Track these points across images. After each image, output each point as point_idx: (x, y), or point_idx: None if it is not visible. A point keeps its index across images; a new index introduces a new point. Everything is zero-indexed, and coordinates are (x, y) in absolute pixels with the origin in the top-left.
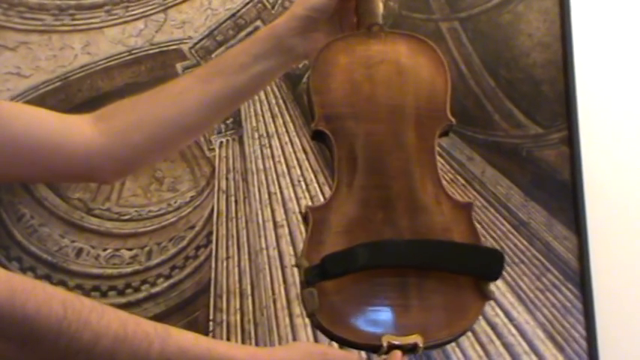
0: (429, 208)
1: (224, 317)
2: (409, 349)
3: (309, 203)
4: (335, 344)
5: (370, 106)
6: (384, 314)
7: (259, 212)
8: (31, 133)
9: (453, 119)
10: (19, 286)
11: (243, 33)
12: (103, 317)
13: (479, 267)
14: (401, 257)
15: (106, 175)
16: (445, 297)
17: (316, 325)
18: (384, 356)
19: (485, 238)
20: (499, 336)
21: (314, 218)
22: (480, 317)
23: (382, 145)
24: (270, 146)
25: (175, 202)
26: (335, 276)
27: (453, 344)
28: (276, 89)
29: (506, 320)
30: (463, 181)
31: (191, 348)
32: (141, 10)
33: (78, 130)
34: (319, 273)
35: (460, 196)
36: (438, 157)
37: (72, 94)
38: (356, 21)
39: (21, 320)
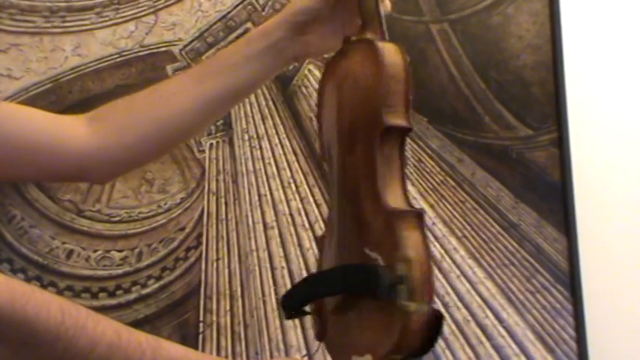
0: (371, 224)
1: (214, 319)
2: None
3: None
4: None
5: (335, 130)
6: (336, 336)
7: (249, 214)
8: (25, 134)
9: (389, 123)
10: (19, 289)
11: (233, 35)
12: (99, 324)
13: (357, 286)
14: (309, 295)
15: (100, 175)
16: (372, 317)
17: None
18: None
19: (475, 240)
20: (489, 338)
21: (318, 247)
22: (470, 319)
23: (341, 168)
24: (261, 148)
25: (165, 204)
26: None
27: (444, 346)
28: (266, 91)
29: (496, 322)
30: (453, 183)
31: (181, 359)
32: (131, 12)
33: (72, 132)
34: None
35: (448, 196)
36: (428, 160)
37: (62, 96)
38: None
39: (21, 322)
